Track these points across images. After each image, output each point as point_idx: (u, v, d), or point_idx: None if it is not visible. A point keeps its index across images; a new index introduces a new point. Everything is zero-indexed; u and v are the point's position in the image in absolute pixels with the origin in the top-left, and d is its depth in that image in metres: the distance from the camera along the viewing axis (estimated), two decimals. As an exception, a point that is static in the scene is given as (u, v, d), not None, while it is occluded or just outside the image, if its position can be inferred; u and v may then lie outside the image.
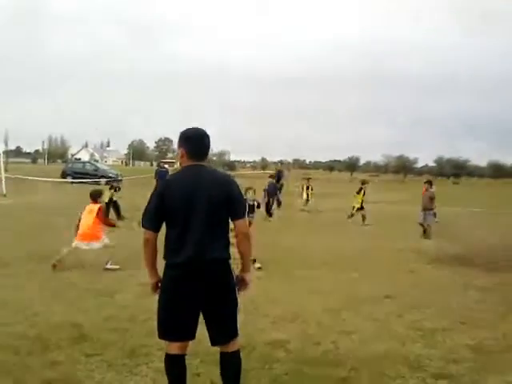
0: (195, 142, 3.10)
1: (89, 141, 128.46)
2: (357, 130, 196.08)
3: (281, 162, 27.92)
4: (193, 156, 3.07)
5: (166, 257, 3.03)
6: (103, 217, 7.87)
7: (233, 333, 3.09)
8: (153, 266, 3.13)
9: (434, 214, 16.49)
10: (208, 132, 3.17)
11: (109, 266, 7.45)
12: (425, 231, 12.85)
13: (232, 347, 3.09)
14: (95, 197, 7.96)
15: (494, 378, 3.95)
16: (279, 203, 17.90)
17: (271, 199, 15.82)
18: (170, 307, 3.01)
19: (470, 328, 5.16)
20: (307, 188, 19.87)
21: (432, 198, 13.37)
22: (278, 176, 19.95)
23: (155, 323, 3.14)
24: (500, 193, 41.46)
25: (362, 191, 15.22)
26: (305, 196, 19.70)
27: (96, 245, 7.56)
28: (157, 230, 3.03)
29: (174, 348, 3.05)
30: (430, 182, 13.98)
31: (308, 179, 20.63)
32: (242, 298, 5.97)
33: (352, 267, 8.25)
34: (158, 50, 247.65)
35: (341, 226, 14.78)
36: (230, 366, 3.12)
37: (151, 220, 3.03)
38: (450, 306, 6.03)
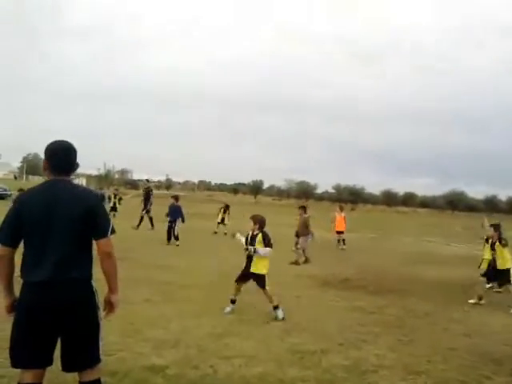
0: (59, 155, 2.97)
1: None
2: (260, 154, 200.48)
3: (147, 180, 26.92)
4: (56, 170, 2.94)
5: (22, 276, 2.84)
6: None
7: (93, 359, 2.92)
8: (8, 284, 2.92)
9: (339, 241, 17.11)
10: (74, 146, 3.05)
11: None
12: (297, 261, 12.57)
13: (91, 375, 2.91)
14: None
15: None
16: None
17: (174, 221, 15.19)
18: (24, 330, 2.79)
19: (346, 349, 5.36)
20: (224, 212, 20.26)
21: (306, 224, 13.28)
22: (148, 195, 19.35)
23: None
24: (392, 219, 44.25)
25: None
26: (220, 218, 20.07)
27: None
28: (13, 245, 2.86)
29: (28, 377, 2.82)
30: (304, 208, 13.84)
31: (227, 205, 20.93)
32: (122, 321, 5.78)
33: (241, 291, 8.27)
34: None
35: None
36: None
37: (6, 235, 2.86)
38: (331, 328, 6.22)
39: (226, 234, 18.66)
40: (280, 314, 6.57)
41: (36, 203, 2.83)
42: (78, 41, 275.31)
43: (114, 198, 22.77)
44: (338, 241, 17.16)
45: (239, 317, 6.46)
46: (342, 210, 18.41)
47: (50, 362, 2.87)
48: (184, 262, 11.12)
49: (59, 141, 3.03)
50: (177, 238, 14.86)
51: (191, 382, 4.17)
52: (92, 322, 2.91)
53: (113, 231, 2.95)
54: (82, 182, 59.37)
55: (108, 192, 27.25)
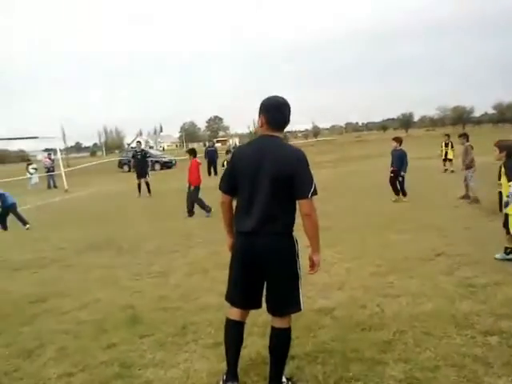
0: (274, 111, 3.05)
1: (142, 128, 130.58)
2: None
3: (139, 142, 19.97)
4: (271, 125, 3.04)
5: (234, 225, 3.16)
6: None
7: (293, 305, 3.09)
8: (229, 226, 3.28)
9: None
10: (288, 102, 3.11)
11: None
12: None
13: (283, 323, 3.10)
14: None
15: (549, 332, 3.78)
16: None
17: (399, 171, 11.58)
18: (236, 273, 3.15)
19: (524, 281, 4.96)
20: (446, 145, 17.33)
21: (467, 153, 11.36)
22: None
23: (204, 300, 3.18)
24: None
25: None
26: (443, 155, 17.36)
27: None
28: (231, 193, 3.18)
29: (233, 313, 3.19)
30: (465, 136, 11.80)
31: (447, 136, 17.69)
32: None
33: (404, 228, 8.09)
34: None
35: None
36: (277, 343, 3.14)
37: (224, 184, 3.19)
38: (505, 260, 5.79)
39: (452, 171, 15.72)
40: None
41: (246, 158, 3.05)
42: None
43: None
44: None
45: (402, 255, 6.35)
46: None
47: (256, 305, 3.17)
48: (336, 205, 11.14)
49: (274, 96, 3.12)
50: (404, 194, 11.53)
51: (360, 321, 4.24)
52: (290, 271, 3.08)
53: (314, 193, 2.95)
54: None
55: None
